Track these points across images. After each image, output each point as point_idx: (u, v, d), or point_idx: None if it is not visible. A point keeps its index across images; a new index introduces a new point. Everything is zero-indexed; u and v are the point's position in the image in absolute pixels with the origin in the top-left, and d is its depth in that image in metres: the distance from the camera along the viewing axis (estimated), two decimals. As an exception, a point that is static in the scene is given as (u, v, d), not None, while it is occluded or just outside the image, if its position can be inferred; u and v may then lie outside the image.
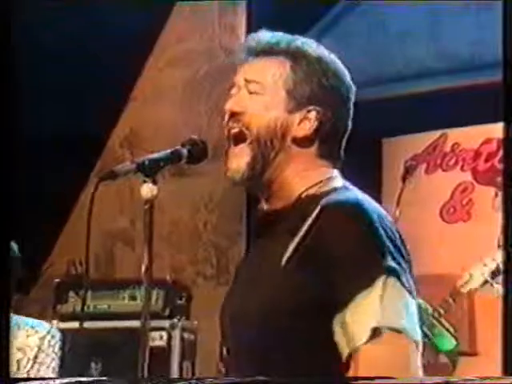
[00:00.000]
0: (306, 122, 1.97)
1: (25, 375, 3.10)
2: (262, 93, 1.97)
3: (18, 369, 3.09)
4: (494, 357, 3.91)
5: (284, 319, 1.88)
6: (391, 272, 1.85)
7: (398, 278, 1.87)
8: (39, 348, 3.14)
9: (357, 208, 1.89)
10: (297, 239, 1.89)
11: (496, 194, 4.24)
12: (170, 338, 4.39)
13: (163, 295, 4.39)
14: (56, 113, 4.58)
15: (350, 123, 2.03)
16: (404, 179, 4.40)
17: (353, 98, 2.02)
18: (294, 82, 1.97)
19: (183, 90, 5.17)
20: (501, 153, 4.13)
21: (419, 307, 4.47)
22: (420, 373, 1.87)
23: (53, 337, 3.18)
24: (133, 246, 5.12)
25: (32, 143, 4.46)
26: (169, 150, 1.97)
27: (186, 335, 4.48)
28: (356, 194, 1.95)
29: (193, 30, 5.17)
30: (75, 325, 4.17)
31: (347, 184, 1.99)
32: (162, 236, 4.77)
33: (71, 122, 4.62)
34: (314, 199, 1.92)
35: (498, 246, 4.06)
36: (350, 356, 1.85)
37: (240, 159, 1.95)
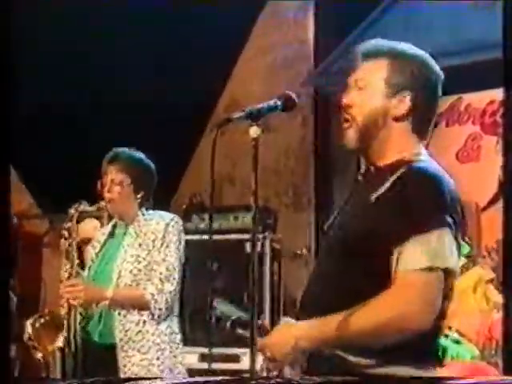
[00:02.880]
0: (401, 104, 1.95)
1: (156, 252, 3.04)
2: (366, 87, 1.97)
3: (153, 247, 3.07)
4: (494, 260, 3.98)
5: (363, 241, 1.87)
6: (447, 225, 1.85)
7: (451, 230, 1.85)
8: (165, 230, 3.07)
9: (433, 174, 1.91)
10: (385, 186, 1.90)
11: (498, 142, 4.22)
12: (263, 246, 4.54)
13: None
14: (190, 86, 4.63)
15: (437, 107, 2.00)
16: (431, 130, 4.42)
17: (440, 84, 1.99)
18: (390, 75, 1.96)
19: (267, 71, 5.18)
20: (501, 110, 4.12)
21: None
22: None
23: (176, 222, 3.12)
24: (234, 183, 5.21)
25: (175, 108, 4.54)
26: (269, 101, 1.95)
27: (274, 245, 4.63)
28: (434, 165, 1.95)
29: (273, 26, 5.16)
30: (197, 237, 4.34)
31: (429, 158, 1.98)
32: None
33: (195, 92, 4.71)
34: (404, 163, 1.93)
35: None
36: (399, 276, 1.82)
37: (351, 134, 1.97)
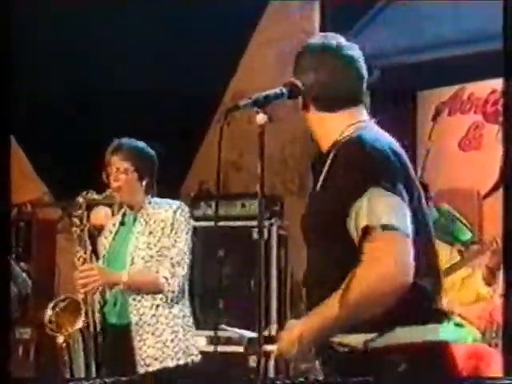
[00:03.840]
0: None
1: (166, 238, 3.06)
2: None
3: (163, 234, 3.10)
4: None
5: (323, 227, 1.88)
6: (377, 183, 1.81)
7: (384, 187, 1.80)
8: (173, 218, 3.08)
9: (357, 143, 1.88)
10: (324, 171, 1.91)
11: (499, 130, 4.22)
12: (269, 233, 4.50)
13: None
14: (198, 76, 4.61)
15: (344, 75, 1.93)
16: (434, 119, 4.40)
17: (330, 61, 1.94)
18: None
19: (274, 63, 5.14)
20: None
21: (445, 210, 4.48)
22: (411, 261, 1.79)
23: (183, 209, 3.13)
24: (240, 172, 5.20)
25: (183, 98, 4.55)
26: (275, 89, 1.94)
27: (280, 231, 4.60)
28: (361, 132, 1.90)
29: (280, 19, 5.15)
30: (205, 224, 4.35)
31: (366, 123, 1.93)
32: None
33: (204, 82, 4.68)
34: (336, 144, 1.93)
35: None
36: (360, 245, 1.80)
37: None
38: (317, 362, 1.94)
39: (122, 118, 4.31)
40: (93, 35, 4.42)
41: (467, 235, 4.20)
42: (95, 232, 3.38)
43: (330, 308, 1.82)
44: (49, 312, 3.11)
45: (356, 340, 1.84)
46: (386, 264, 1.78)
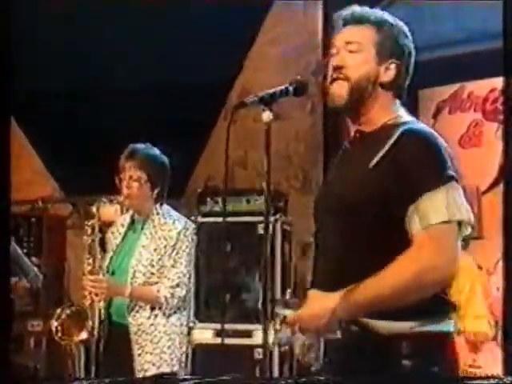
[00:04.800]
0: (388, 71, 1.94)
1: (166, 257, 3.09)
2: (359, 51, 1.94)
3: (165, 252, 3.11)
4: (494, 240, 3.96)
5: (367, 207, 1.83)
6: (453, 178, 1.83)
7: (457, 183, 1.84)
8: (177, 239, 3.09)
9: (428, 134, 1.89)
10: (383, 151, 1.85)
11: (498, 128, 4.21)
12: (274, 228, 4.44)
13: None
14: (204, 74, 4.59)
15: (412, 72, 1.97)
16: (435, 117, 4.40)
17: (414, 52, 1.97)
18: (379, 42, 1.93)
19: (278, 61, 5.16)
20: (502, 98, 4.09)
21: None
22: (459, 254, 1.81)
23: (187, 229, 3.13)
24: (246, 168, 5.20)
25: (190, 96, 4.56)
26: (281, 86, 1.92)
27: (285, 226, 4.56)
28: (422, 125, 1.94)
29: (285, 18, 5.15)
30: (211, 219, 4.37)
31: (414, 119, 1.96)
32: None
33: (210, 81, 4.67)
34: (395, 126, 1.90)
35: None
36: (419, 232, 1.79)
37: (341, 90, 1.92)
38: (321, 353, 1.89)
39: (127, 115, 4.30)
40: (93, 35, 4.38)
41: (467, 230, 4.18)
42: (105, 228, 3.37)
43: (370, 290, 1.77)
44: (54, 323, 3.12)
45: (382, 326, 1.80)
46: (443, 257, 1.78)
